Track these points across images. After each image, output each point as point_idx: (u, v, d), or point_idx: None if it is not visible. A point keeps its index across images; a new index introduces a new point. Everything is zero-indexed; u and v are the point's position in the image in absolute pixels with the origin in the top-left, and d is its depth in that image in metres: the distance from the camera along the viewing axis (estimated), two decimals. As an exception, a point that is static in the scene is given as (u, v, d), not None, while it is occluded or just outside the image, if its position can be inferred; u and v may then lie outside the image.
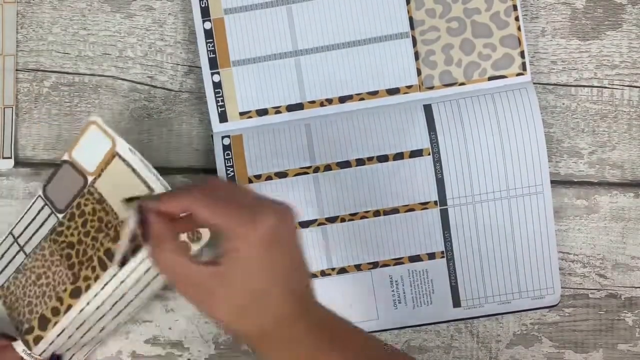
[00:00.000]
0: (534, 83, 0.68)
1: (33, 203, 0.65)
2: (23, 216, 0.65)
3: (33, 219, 0.65)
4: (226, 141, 0.66)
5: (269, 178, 0.66)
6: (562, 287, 0.68)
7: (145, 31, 0.68)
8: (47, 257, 0.63)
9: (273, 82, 0.67)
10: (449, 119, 0.66)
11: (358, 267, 0.67)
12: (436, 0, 0.66)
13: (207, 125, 0.68)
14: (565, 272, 0.68)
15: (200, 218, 0.50)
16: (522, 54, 0.66)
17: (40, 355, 0.62)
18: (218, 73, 0.67)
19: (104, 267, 0.60)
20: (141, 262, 0.58)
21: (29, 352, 0.62)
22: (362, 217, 0.66)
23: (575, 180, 0.68)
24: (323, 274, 0.67)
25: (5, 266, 0.65)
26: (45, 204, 0.64)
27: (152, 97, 0.68)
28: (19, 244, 0.65)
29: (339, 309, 0.66)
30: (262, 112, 0.67)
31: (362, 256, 0.67)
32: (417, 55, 0.66)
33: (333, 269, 0.67)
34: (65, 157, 0.63)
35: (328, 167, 0.66)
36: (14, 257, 0.65)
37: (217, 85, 0.67)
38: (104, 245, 0.60)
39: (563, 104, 0.68)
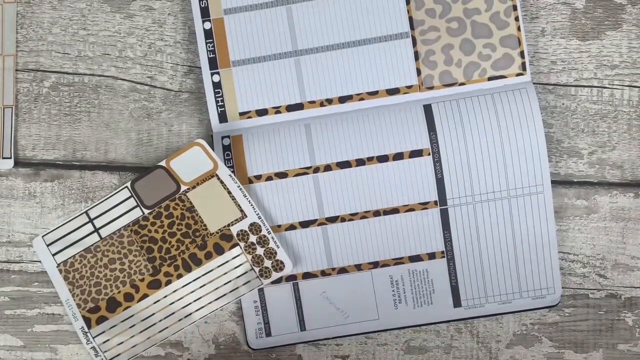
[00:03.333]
0: (534, 83, 0.68)
1: (118, 192, 0.67)
2: (103, 201, 0.67)
3: (115, 206, 0.67)
4: (226, 141, 0.66)
5: (269, 178, 0.66)
6: (562, 287, 0.68)
7: (145, 31, 0.68)
8: (125, 245, 0.66)
9: (273, 82, 0.67)
10: (449, 119, 0.66)
11: (358, 267, 0.67)
12: (436, 0, 0.66)
13: (207, 125, 0.68)
14: (565, 272, 0.68)
15: None
16: (522, 54, 0.66)
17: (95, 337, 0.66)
18: (218, 73, 0.67)
19: (188, 269, 0.66)
20: (223, 272, 0.66)
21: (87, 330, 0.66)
22: (362, 217, 0.66)
23: (575, 180, 0.69)
24: (323, 273, 0.67)
25: (73, 243, 0.67)
26: (132, 196, 0.66)
27: (152, 97, 0.68)
28: (94, 226, 0.67)
29: (339, 309, 0.66)
30: (262, 112, 0.67)
31: (362, 256, 0.67)
32: (417, 55, 0.66)
33: (333, 269, 0.67)
34: (162, 164, 0.66)
35: (328, 167, 0.66)
36: (85, 236, 0.67)
37: (216, 85, 0.67)
38: (190, 249, 0.66)
39: (563, 104, 0.68)
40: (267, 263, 0.66)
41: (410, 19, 0.66)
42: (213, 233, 0.66)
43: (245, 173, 0.66)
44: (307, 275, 0.67)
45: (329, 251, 0.67)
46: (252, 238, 0.66)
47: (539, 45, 0.68)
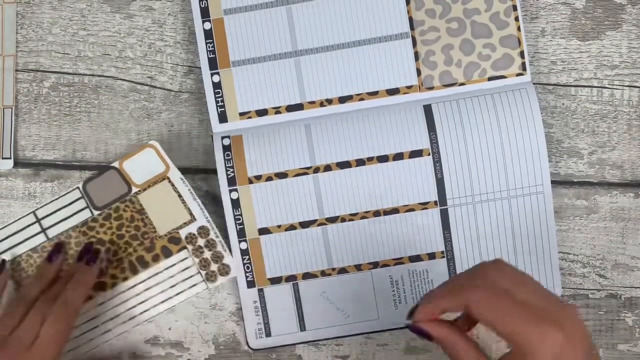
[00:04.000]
0: (534, 83, 0.68)
1: (68, 192, 0.66)
2: (52, 201, 0.67)
3: (64, 207, 0.67)
4: (226, 141, 0.66)
5: (269, 178, 0.66)
6: (562, 287, 0.68)
7: (145, 31, 0.68)
8: (73, 246, 0.66)
9: (273, 82, 0.67)
10: (449, 119, 0.66)
11: (358, 267, 0.67)
12: (436, 0, 0.66)
13: (207, 126, 0.68)
14: (565, 272, 0.68)
15: (479, 320, 0.47)
16: (522, 54, 0.66)
17: None
18: (218, 73, 0.67)
19: (134, 271, 0.67)
20: (170, 275, 0.67)
21: None
22: (362, 217, 0.66)
23: (575, 180, 0.69)
24: (323, 274, 0.67)
25: (19, 243, 0.67)
26: (83, 197, 0.66)
27: (152, 97, 0.68)
28: (41, 226, 0.67)
29: (339, 309, 0.66)
30: (262, 112, 0.67)
31: (362, 256, 0.67)
32: (417, 56, 0.66)
33: (333, 269, 0.67)
34: (115, 165, 0.66)
35: (328, 167, 0.66)
36: (32, 236, 0.67)
37: (216, 86, 0.67)
38: (138, 252, 0.66)
39: (563, 104, 0.68)
40: (214, 267, 0.67)
41: (410, 19, 0.66)
42: (162, 236, 0.66)
43: (245, 173, 0.66)
44: (307, 275, 0.67)
45: (328, 251, 0.67)
46: (200, 241, 0.66)
47: (539, 45, 0.68)
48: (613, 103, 0.68)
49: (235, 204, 0.66)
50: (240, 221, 0.66)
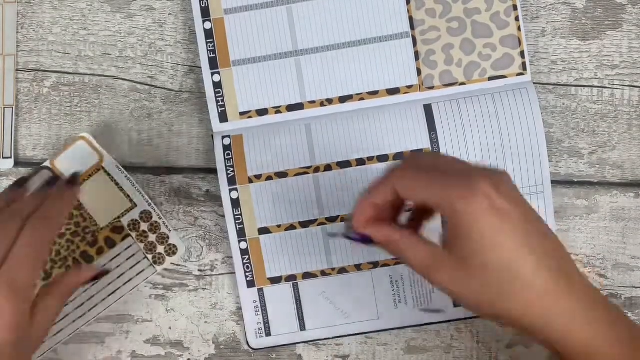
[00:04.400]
0: (534, 83, 0.68)
1: None
2: None
3: None
4: (226, 141, 0.67)
5: (269, 178, 0.66)
6: (562, 287, 0.68)
7: (146, 31, 0.68)
8: None
9: (273, 82, 0.67)
10: (449, 119, 0.66)
11: (358, 267, 0.67)
12: (436, 0, 0.66)
13: (207, 125, 0.68)
14: (566, 272, 0.68)
15: (408, 198, 0.47)
16: (522, 54, 0.66)
17: None
18: (218, 73, 0.67)
19: None
20: (116, 266, 0.66)
21: None
22: (362, 217, 0.66)
23: (575, 180, 0.68)
24: (323, 273, 0.67)
25: None
26: None
27: (152, 97, 0.68)
28: None
29: (339, 309, 0.66)
30: (262, 112, 0.67)
31: (362, 256, 0.67)
32: (417, 55, 0.66)
33: (333, 269, 0.67)
34: (47, 164, 0.66)
35: (328, 167, 0.66)
36: None
37: (217, 85, 0.67)
38: (80, 247, 0.66)
39: (563, 104, 0.68)
40: (160, 249, 0.66)
41: (411, 18, 0.66)
42: (103, 227, 0.66)
43: (245, 173, 0.66)
44: (307, 275, 0.67)
45: (328, 251, 0.67)
46: (144, 226, 0.66)
47: (540, 45, 0.68)
48: (613, 103, 0.68)
49: (235, 203, 0.66)
50: (240, 221, 0.66)
